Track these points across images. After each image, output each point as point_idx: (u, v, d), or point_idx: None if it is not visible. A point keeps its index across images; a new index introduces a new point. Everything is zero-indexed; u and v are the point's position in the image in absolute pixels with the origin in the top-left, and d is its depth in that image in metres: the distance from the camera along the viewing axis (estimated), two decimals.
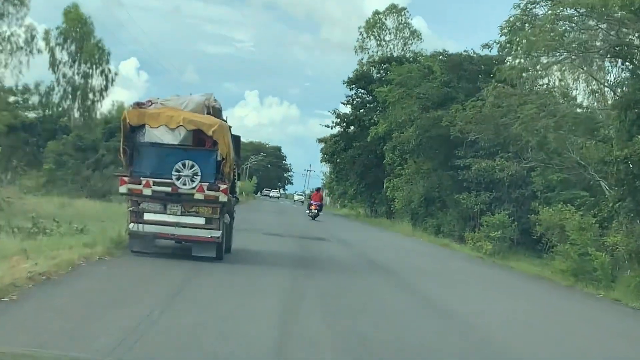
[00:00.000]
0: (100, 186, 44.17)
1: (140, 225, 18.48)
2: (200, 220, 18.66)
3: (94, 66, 67.53)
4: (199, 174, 18.47)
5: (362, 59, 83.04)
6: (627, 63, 26.72)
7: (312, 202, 57.67)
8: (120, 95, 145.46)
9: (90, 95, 67.26)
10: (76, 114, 67.32)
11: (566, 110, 28.61)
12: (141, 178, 18.43)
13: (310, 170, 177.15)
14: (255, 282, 16.62)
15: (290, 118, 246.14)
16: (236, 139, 21.92)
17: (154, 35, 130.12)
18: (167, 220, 18.57)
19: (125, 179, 18.63)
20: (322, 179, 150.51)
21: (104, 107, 67.76)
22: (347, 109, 77.32)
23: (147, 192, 18.38)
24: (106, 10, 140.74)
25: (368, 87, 73.28)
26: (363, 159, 74.44)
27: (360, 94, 76.37)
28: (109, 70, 68.96)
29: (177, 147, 18.78)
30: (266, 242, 27.98)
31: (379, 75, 74.37)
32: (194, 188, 18.39)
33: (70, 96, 66.52)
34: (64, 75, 67.24)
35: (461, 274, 26.29)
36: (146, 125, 18.69)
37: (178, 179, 18.38)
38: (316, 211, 55.29)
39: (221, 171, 18.91)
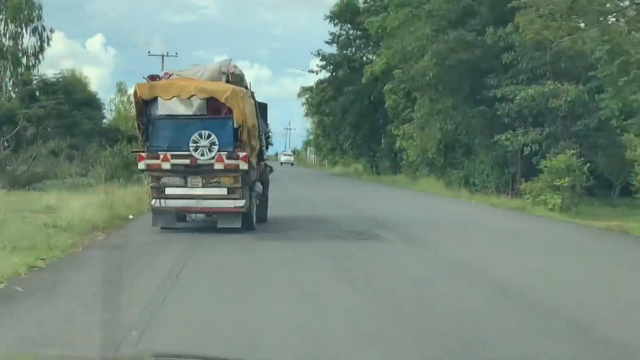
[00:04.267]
0: (24, 171, 32.58)
1: (162, 201, 18.46)
2: (223, 191, 18.58)
3: (24, 24, 55.47)
4: (217, 143, 18.31)
5: None
6: None
7: None
8: (89, 72, 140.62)
9: (24, 60, 55.15)
10: (9, 85, 55.44)
11: None
12: (159, 152, 18.38)
13: (290, 129, 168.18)
14: None
15: (262, 80, 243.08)
16: (262, 106, 21.92)
17: (117, 10, 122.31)
18: (189, 193, 18.50)
19: (143, 154, 18.56)
20: (306, 136, 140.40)
21: (45, 73, 55.52)
22: (332, 49, 65.85)
23: (166, 166, 18.34)
24: None
25: (355, 21, 61.71)
26: (357, 106, 63.20)
27: (346, 30, 64.79)
28: (43, 27, 56.77)
29: (192, 117, 18.70)
30: (265, 269, 13.50)
31: (366, 4, 62.66)
32: (212, 158, 18.27)
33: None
34: None
35: None
36: (158, 97, 18.51)
37: (196, 150, 18.30)
38: None
39: (239, 139, 18.51)
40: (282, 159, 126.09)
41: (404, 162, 53.46)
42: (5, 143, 34.06)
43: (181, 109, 18.67)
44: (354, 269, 13.65)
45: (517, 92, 35.13)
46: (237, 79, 19.55)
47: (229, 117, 18.43)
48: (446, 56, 39.22)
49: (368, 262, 14.58)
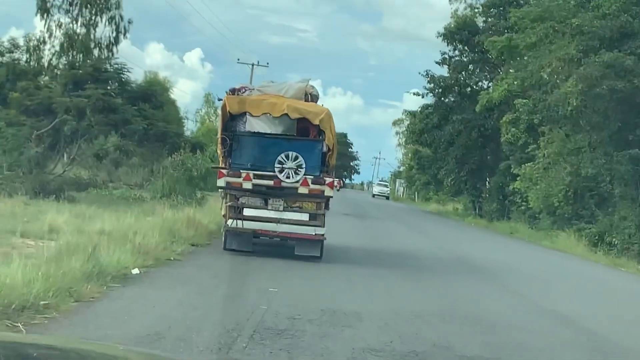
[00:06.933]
0: (57, 174, 25.75)
1: (240, 222, 17.17)
2: (304, 216, 17.46)
3: (99, 11, 48.95)
4: (304, 166, 17.37)
5: (456, 10, 62.38)
6: None
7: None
8: (185, 86, 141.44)
9: (96, 52, 48.53)
10: None
11: None
12: (241, 171, 17.37)
13: (379, 158, 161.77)
14: None
15: (354, 108, 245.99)
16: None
17: (217, 26, 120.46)
18: (269, 216, 17.34)
19: (224, 171, 17.58)
20: (396, 167, 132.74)
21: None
22: (442, 71, 58.08)
23: (247, 185, 17.35)
24: (170, 2, 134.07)
25: (472, 41, 53.94)
26: (464, 138, 55.19)
27: (460, 51, 57.06)
28: (121, 17, 50.14)
29: (280, 137, 17.80)
30: None
31: (486, 24, 55.00)
32: (298, 181, 17.33)
33: (67, 52, 48.00)
34: (59, 25, 48.86)
35: None
36: (247, 113, 17.67)
37: (281, 171, 17.32)
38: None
39: (326, 163, 18.08)
40: (375, 190, 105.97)
41: (521, 207, 45.45)
42: (37, 139, 27.13)
43: (269, 127, 17.87)
44: None
45: None
46: (314, 99, 18.88)
47: (319, 140, 17.89)
48: (595, 83, 31.45)
49: None
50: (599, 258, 29.96)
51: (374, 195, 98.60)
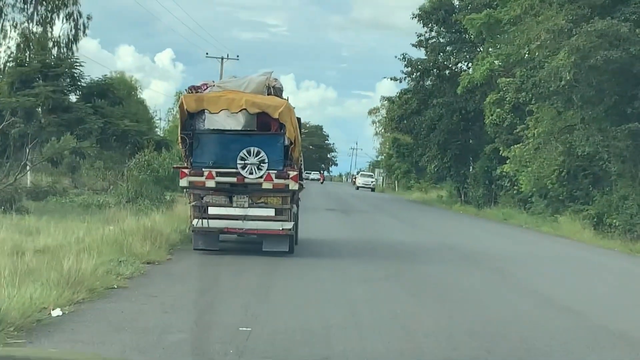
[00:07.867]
0: (7, 183, 23.26)
1: (205, 221, 17.13)
2: (270, 212, 17.46)
3: (56, 8, 46.41)
4: (266, 161, 17.27)
5: None
6: None
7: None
8: (157, 86, 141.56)
9: (54, 51, 45.99)
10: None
11: None
12: (203, 169, 17.23)
13: (356, 149, 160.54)
14: None
15: (328, 100, 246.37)
16: (297, 120, 20.05)
17: (188, 25, 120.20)
18: (234, 213, 17.32)
19: (186, 171, 17.42)
20: (373, 157, 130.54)
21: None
22: (420, 54, 55.92)
23: (210, 184, 17.20)
24: (140, 2, 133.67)
25: (449, 20, 51.74)
26: (445, 122, 53.00)
27: (437, 32, 54.79)
28: (79, 13, 47.64)
29: (240, 133, 17.71)
30: None
31: (461, 2, 52.74)
32: (261, 177, 17.23)
33: (24, 52, 45.39)
34: (14, 25, 46.34)
35: None
36: (205, 110, 17.49)
37: (244, 167, 17.22)
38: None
39: (290, 157, 17.78)
40: (359, 181, 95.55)
41: (510, 191, 43.47)
42: None
43: (229, 124, 17.68)
44: None
45: None
46: (277, 92, 18.64)
47: (280, 133, 17.65)
48: (589, 54, 29.24)
49: None
50: (609, 244, 27.74)
51: (358, 188, 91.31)
